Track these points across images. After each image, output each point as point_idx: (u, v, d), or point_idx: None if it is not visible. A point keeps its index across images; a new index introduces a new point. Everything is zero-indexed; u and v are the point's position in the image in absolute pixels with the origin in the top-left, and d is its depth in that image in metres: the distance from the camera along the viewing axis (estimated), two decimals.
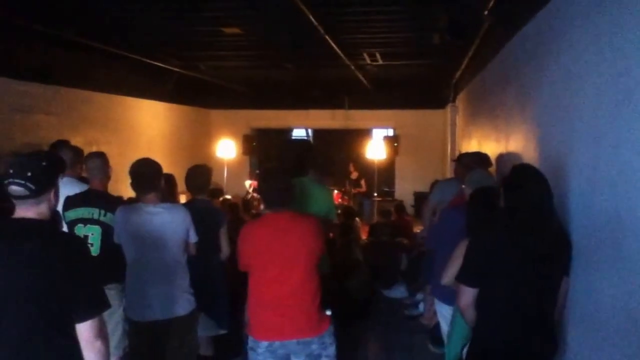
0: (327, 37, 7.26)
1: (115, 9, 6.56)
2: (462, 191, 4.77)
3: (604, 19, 3.08)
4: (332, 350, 3.66)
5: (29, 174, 2.50)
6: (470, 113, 9.66)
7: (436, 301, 4.81)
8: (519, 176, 3.33)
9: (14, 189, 2.49)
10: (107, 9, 6.55)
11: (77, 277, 2.50)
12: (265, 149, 15.06)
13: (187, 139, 13.87)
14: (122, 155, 9.53)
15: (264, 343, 3.54)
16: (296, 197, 3.97)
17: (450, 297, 4.17)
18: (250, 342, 3.62)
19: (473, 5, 5.51)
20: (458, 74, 9.88)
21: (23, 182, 2.48)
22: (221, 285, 4.99)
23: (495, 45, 6.35)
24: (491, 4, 5.08)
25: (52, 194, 2.62)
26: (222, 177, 12.91)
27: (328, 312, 3.72)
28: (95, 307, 2.54)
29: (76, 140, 8.56)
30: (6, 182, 2.50)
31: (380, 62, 9.83)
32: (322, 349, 3.59)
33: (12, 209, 2.62)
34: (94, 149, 8.47)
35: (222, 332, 5.05)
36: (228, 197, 11.19)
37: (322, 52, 8.37)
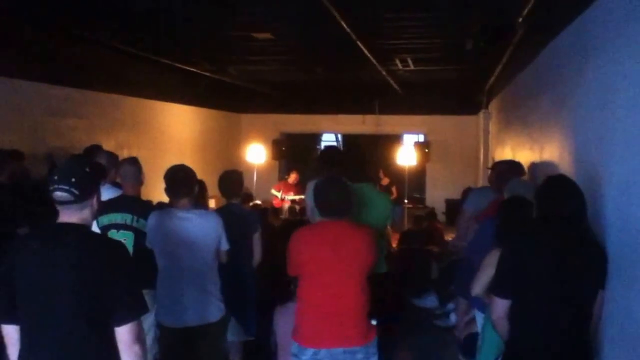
0: (358, 42, 7.23)
1: (148, 14, 6.60)
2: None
3: (637, 29, 3.02)
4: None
5: (73, 179, 2.55)
6: (504, 120, 9.57)
7: (476, 311, 4.75)
8: (554, 187, 3.28)
9: (59, 194, 2.55)
10: (140, 13, 6.59)
11: (119, 281, 2.56)
12: (294, 154, 15.05)
13: (217, 143, 13.94)
14: (152, 159, 9.61)
15: (310, 350, 3.52)
16: (355, 204, 3.88)
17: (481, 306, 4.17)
18: (295, 348, 3.60)
19: (507, 12, 5.42)
20: (491, 80, 9.77)
21: (67, 187, 2.53)
22: (251, 291, 5.00)
23: (529, 52, 6.28)
24: (525, 11, 5.00)
25: (94, 200, 2.69)
26: (252, 182, 12.94)
27: (374, 322, 3.69)
28: (134, 311, 2.60)
29: (108, 144, 8.66)
30: (51, 188, 2.56)
31: (412, 67, 9.78)
32: (366, 359, 3.56)
33: (46, 214, 2.66)
34: (125, 152, 8.58)
35: (250, 338, 5.05)
36: (258, 202, 11.21)
37: (353, 56, 8.34)
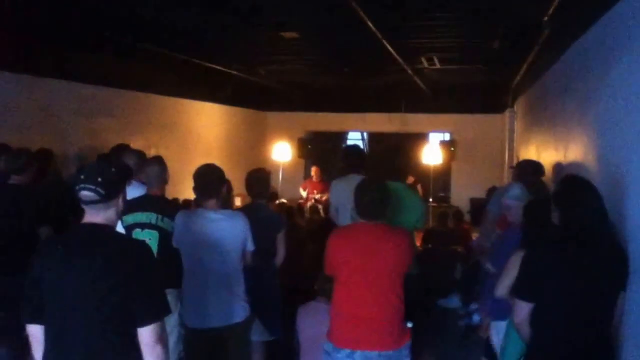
0: (384, 41, 7.23)
1: (177, 15, 6.67)
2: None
3: None
4: None
5: (100, 179, 2.58)
6: (529, 119, 9.49)
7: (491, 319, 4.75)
8: (570, 190, 3.28)
9: (85, 194, 2.58)
10: (169, 15, 6.66)
11: (142, 282, 2.58)
12: (320, 152, 15.06)
13: (244, 142, 14.00)
14: (180, 158, 9.72)
15: (345, 351, 3.55)
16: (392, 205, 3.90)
17: (502, 313, 4.13)
18: (329, 347, 3.63)
19: (532, 12, 5.40)
20: (517, 79, 9.71)
21: (94, 187, 2.56)
22: (275, 291, 5.02)
23: (555, 51, 6.25)
24: (550, 10, 4.97)
25: (120, 200, 2.72)
26: (277, 180, 12.98)
27: (409, 324, 3.71)
28: (157, 312, 2.62)
29: (136, 143, 8.74)
30: (77, 187, 2.60)
31: (438, 66, 9.74)
32: None
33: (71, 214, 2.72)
34: (153, 151, 8.66)
35: (274, 338, 5.07)
36: (284, 200, 11.25)
37: (380, 56, 8.35)
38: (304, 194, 12.00)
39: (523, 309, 3.20)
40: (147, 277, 2.62)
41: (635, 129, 3.42)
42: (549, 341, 3.15)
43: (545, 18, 5.25)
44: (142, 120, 9.87)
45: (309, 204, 11.45)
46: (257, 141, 14.80)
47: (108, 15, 6.73)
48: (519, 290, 3.26)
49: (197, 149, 11.45)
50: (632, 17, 3.60)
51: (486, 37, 7.28)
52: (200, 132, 12.03)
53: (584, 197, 3.16)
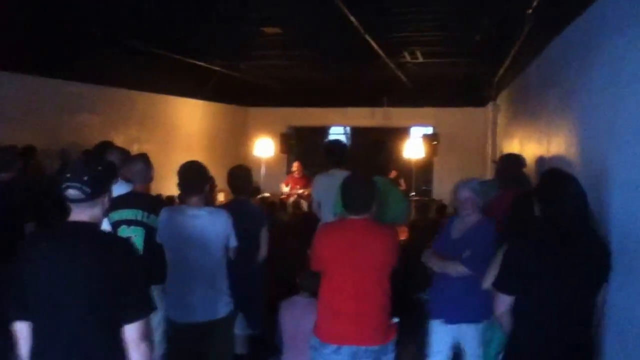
0: (366, 36, 7.24)
1: (159, 11, 6.64)
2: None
3: None
4: (391, 357, 3.68)
5: (86, 178, 2.58)
6: (512, 112, 9.55)
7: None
8: (552, 184, 3.31)
9: (71, 192, 2.58)
10: (151, 11, 6.63)
11: (128, 280, 2.59)
12: (302, 147, 15.06)
13: (226, 137, 13.98)
14: (161, 153, 9.69)
15: (332, 346, 3.57)
16: (379, 200, 3.92)
17: (439, 311, 4.26)
18: (316, 342, 3.65)
19: (515, 5, 5.43)
20: (500, 72, 9.76)
21: (79, 185, 2.57)
22: (257, 285, 5.06)
23: (538, 45, 6.28)
24: (534, 4, 5.00)
25: (106, 198, 2.72)
26: (259, 175, 12.96)
27: (395, 320, 3.73)
28: (142, 310, 2.63)
29: (118, 139, 8.75)
30: (63, 185, 2.59)
31: (421, 59, 9.77)
32: (383, 355, 3.61)
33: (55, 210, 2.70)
34: (135, 147, 8.65)
35: (255, 332, 5.12)
36: (266, 194, 11.25)
37: (362, 50, 8.35)
38: (286, 189, 12.00)
39: (504, 302, 3.23)
40: (133, 275, 2.62)
41: (618, 122, 3.45)
42: (530, 333, 3.17)
43: (529, 11, 5.27)
44: (124, 117, 9.85)
45: (291, 199, 11.46)
46: (239, 137, 14.78)
47: (91, 13, 6.69)
48: (500, 283, 3.28)
49: (179, 145, 11.43)
50: (614, 12, 3.63)
51: (469, 30, 7.31)
52: (182, 128, 12.01)
53: (565, 191, 3.18)
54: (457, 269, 4.10)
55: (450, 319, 4.24)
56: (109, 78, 9.16)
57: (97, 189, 2.61)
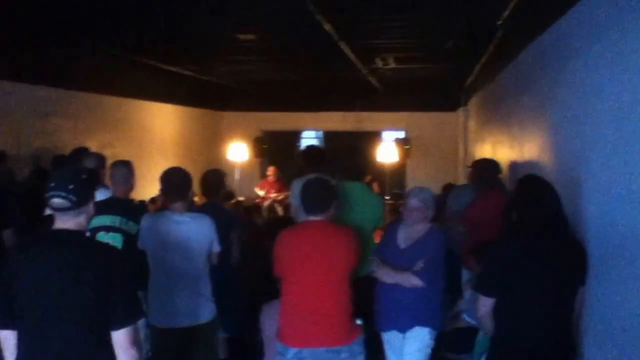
0: (340, 43, 7.30)
1: (132, 15, 6.62)
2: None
3: (619, 33, 3.13)
4: (361, 358, 3.71)
5: (71, 186, 2.61)
6: (484, 117, 9.69)
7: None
8: (529, 190, 3.42)
9: (56, 201, 2.60)
10: (124, 14, 6.60)
11: (117, 286, 2.61)
12: (276, 151, 15.07)
13: (199, 142, 13.92)
14: (135, 158, 9.48)
15: (293, 349, 3.60)
16: (341, 203, 4.02)
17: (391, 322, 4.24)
18: (280, 347, 3.69)
19: (488, 14, 5.52)
20: (471, 78, 9.89)
21: (65, 194, 2.59)
22: (232, 288, 5.10)
23: (510, 51, 6.37)
24: (506, 13, 5.09)
25: (90, 206, 2.74)
26: (234, 180, 12.94)
27: (359, 322, 3.77)
28: (131, 315, 2.66)
29: (91, 144, 8.67)
30: (48, 194, 2.61)
31: (393, 65, 9.85)
32: (351, 358, 3.63)
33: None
34: (108, 152, 8.56)
35: (231, 335, 5.20)
36: (241, 198, 11.24)
37: (335, 57, 8.40)
38: (261, 193, 12.00)
39: (485, 304, 3.33)
40: (121, 281, 2.64)
41: (591, 129, 3.54)
42: (512, 333, 3.28)
43: (499, 22, 5.35)
44: (96, 121, 9.75)
45: (266, 203, 11.47)
46: (213, 141, 14.73)
47: (62, 17, 6.63)
48: (482, 286, 3.39)
49: (152, 150, 11.35)
50: (587, 22, 3.72)
51: (441, 38, 7.40)
52: (155, 132, 11.93)
53: (541, 196, 3.30)
54: (411, 282, 4.03)
55: (404, 328, 4.18)
56: (81, 83, 9.06)
57: (82, 197, 2.64)
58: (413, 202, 4.23)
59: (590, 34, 3.66)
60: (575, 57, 3.98)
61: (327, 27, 6.33)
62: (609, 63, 3.29)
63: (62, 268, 2.55)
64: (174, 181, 4.16)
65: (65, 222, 2.64)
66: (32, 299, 2.57)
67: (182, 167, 4.33)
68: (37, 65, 8.03)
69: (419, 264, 4.03)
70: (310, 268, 3.62)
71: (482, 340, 4.17)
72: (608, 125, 3.25)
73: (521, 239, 3.33)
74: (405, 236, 4.26)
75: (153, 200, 9.30)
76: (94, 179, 2.89)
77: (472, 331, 4.45)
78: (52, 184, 2.62)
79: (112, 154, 8.10)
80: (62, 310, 2.55)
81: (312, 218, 3.74)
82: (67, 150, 8.18)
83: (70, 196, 2.59)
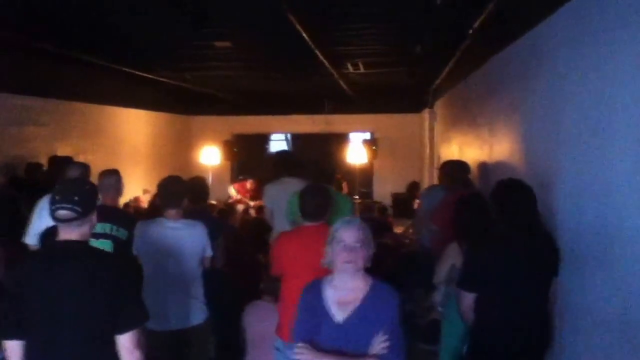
0: (316, 50, 7.46)
1: (105, 22, 6.67)
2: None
3: (588, 39, 3.37)
4: None
5: (76, 198, 2.70)
6: (450, 118, 9.88)
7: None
8: (508, 191, 3.66)
9: (62, 213, 2.69)
10: (97, 22, 6.64)
11: (123, 292, 2.72)
12: (245, 154, 15.20)
13: (171, 147, 13.99)
14: (107, 164, 9.50)
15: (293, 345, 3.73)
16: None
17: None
18: (279, 344, 3.85)
19: (458, 23, 5.72)
20: (437, 81, 10.12)
21: (70, 206, 2.68)
22: (218, 291, 5.20)
23: (479, 57, 6.52)
24: (476, 23, 5.28)
25: (94, 215, 2.85)
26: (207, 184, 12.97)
27: None
28: (137, 319, 2.78)
29: (65, 151, 8.75)
30: (53, 207, 2.70)
31: (363, 70, 10.03)
32: None
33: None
34: (81, 158, 8.60)
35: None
36: (213, 202, 11.32)
37: (309, 62, 8.56)
38: (233, 192, 12.08)
39: (466, 298, 3.58)
40: (127, 287, 2.77)
41: (561, 131, 3.77)
42: (492, 325, 3.53)
43: (470, 30, 5.56)
44: (69, 128, 9.77)
45: (239, 206, 11.57)
46: (184, 145, 14.79)
47: (35, 25, 6.63)
48: (463, 282, 3.64)
49: (124, 155, 11.36)
50: (557, 30, 3.95)
51: (409, 43, 7.57)
52: (127, 138, 11.94)
53: (518, 196, 3.56)
54: None
55: None
56: (52, 90, 9.08)
57: (86, 207, 2.74)
58: (346, 237, 2.95)
59: (560, 40, 3.88)
60: (545, 63, 4.18)
61: (305, 35, 6.49)
62: (576, 69, 3.53)
63: (74, 279, 2.66)
64: (171, 190, 4.30)
65: (69, 233, 2.73)
66: (44, 309, 2.65)
67: (179, 176, 4.51)
68: (12, 74, 8.04)
69: (379, 343, 2.84)
70: (310, 267, 3.77)
71: (447, 332, 4.41)
72: (577, 129, 3.49)
73: (498, 236, 3.60)
74: (338, 300, 3.00)
75: (127, 205, 9.38)
76: (96, 190, 3.02)
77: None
78: (57, 197, 2.70)
79: (86, 160, 8.13)
80: (74, 319, 2.65)
81: (308, 224, 3.98)
82: (42, 158, 8.26)
83: (76, 207, 2.68)
